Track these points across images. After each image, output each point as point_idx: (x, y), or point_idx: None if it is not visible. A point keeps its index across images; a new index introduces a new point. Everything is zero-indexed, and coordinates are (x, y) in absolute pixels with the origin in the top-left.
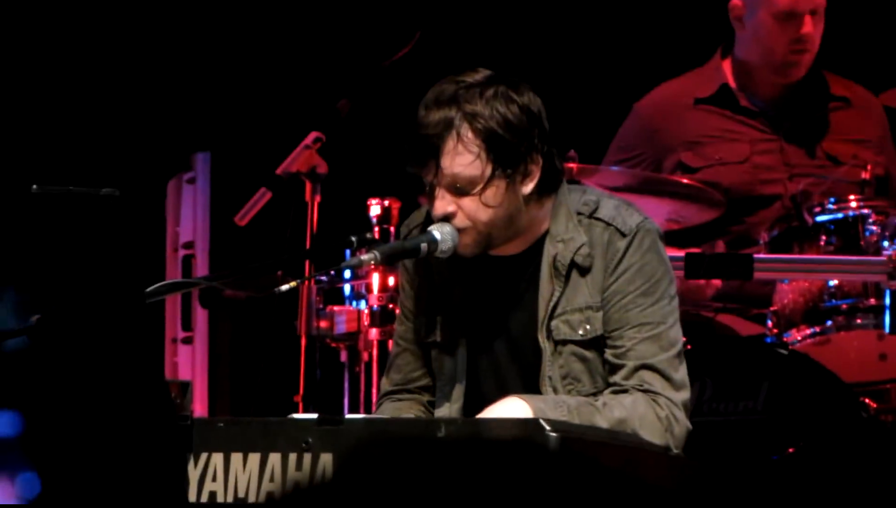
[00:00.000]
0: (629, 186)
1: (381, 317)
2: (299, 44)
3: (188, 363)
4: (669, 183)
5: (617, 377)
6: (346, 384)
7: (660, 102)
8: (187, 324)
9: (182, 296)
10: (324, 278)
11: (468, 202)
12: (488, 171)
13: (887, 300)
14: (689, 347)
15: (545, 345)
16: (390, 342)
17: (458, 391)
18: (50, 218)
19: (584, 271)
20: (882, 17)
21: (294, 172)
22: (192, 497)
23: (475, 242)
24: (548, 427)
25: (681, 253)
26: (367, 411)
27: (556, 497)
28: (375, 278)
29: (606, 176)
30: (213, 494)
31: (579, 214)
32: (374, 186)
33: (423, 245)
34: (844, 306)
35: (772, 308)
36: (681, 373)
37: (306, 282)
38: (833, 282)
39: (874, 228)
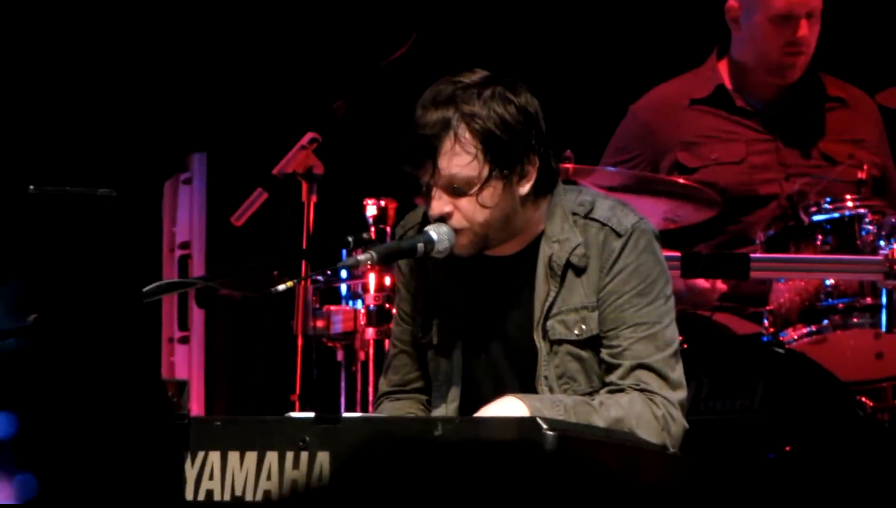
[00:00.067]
0: (625, 185)
1: (378, 317)
2: (296, 44)
3: (185, 362)
4: (665, 183)
5: (613, 377)
6: (343, 384)
7: (656, 103)
8: (184, 324)
9: (179, 296)
10: (320, 277)
11: (465, 203)
12: (485, 171)
13: (884, 299)
14: (685, 346)
15: (541, 345)
16: (387, 342)
17: (455, 392)
18: (46, 218)
19: (580, 271)
20: (876, 18)
21: (290, 172)
22: (189, 496)
23: (472, 242)
24: (545, 426)
25: (677, 253)
26: (364, 410)
27: (553, 496)
28: (372, 278)
29: (602, 176)
30: (210, 493)
31: (575, 214)
32: (371, 187)
33: (420, 245)
34: (841, 306)
35: (768, 307)
36: (677, 372)
37: (303, 282)
38: (829, 281)
39: (870, 227)
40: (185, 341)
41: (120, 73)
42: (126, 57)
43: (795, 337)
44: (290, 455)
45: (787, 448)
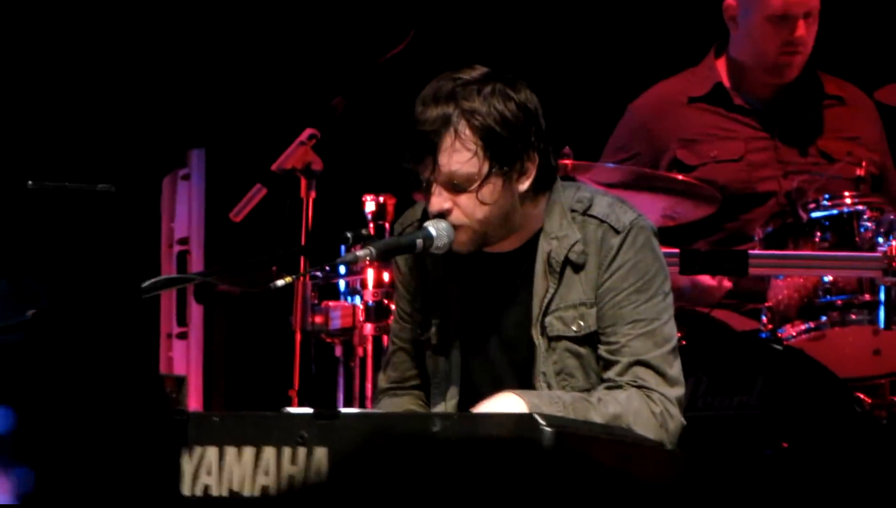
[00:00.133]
0: (624, 182)
1: (376, 312)
2: (294, 40)
3: (183, 358)
4: (664, 179)
5: (611, 374)
6: (341, 379)
7: (654, 102)
8: (182, 319)
9: (177, 292)
10: (319, 273)
11: (464, 199)
12: (485, 168)
13: (882, 296)
14: (683, 342)
15: (539, 341)
16: (385, 338)
17: (454, 390)
18: (45, 213)
19: (578, 268)
20: (874, 16)
21: (289, 168)
22: (186, 491)
23: (471, 239)
24: (542, 422)
25: (676, 250)
26: (362, 406)
27: (551, 492)
28: (370, 274)
29: (601, 172)
30: (207, 487)
31: (573, 211)
32: (370, 183)
33: (419, 241)
34: (839, 302)
35: (766, 304)
36: (675, 369)
37: (301, 278)
38: (828, 278)
39: (869, 224)
40: (183, 336)
41: (118, 69)
42: (125, 53)
43: (794, 334)
44: (287, 451)
45: (785, 445)
